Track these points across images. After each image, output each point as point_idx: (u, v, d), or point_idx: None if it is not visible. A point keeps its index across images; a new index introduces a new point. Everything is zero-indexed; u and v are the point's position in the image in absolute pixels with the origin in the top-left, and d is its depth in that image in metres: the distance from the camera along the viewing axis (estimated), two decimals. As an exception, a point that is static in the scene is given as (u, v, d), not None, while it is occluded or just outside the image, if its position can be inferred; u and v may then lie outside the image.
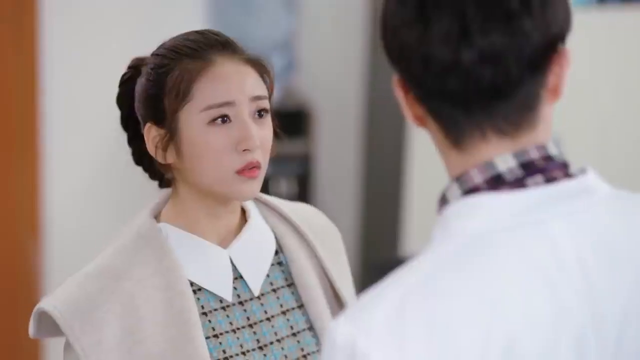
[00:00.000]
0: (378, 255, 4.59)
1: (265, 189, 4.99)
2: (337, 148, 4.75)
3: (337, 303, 1.82)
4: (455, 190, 1.21)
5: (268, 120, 1.69)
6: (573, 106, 4.05)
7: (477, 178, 1.20)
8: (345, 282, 1.84)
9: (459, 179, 1.21)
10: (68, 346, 1.64)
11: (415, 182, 4.28)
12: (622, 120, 4.34)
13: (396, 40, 1.20)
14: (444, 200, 1.22)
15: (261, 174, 1.67)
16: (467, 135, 1.20)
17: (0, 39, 3.97)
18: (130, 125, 1.75)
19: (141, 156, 1.74)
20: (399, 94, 1.23)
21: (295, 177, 4.50)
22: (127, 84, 1.74)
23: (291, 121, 4.47)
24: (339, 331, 1.14)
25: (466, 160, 1.21)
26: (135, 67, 1.74)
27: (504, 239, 1.16)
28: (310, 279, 1.78)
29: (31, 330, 1.68)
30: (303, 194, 4.53)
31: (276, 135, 1.72)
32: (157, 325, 1.62)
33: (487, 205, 1.18)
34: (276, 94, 4.83)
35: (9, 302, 4.09)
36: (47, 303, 1.64)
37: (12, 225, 4.09)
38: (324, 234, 1.85)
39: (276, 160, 4.86)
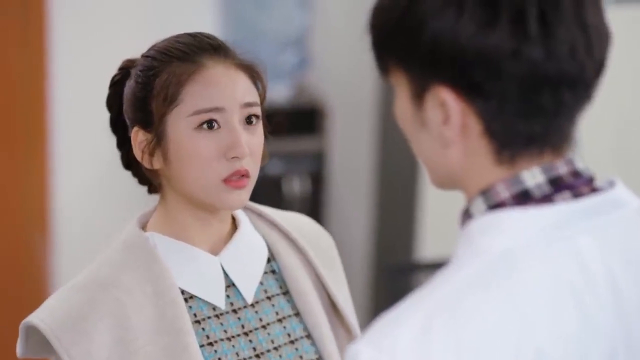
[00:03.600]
0: (393, 255, 4.55)
1: (278, 187, 4.97)
2: (351, 145, 4.72)
3: (334, 310, 1.78)
4: (480, 204, 1.17)
5: (259, 127, 1.65)
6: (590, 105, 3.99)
7: (504, 193, 1.16)
8: (341, 289, 1.80)
9: (484, 193, 1.17)
10: None
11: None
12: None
13: (477, 52, 1.13)
14: (467, 215, 1.19)
15: (250, 183, 1.63)
16: (527, 152, 1.17)
17: (7, 34, 3.97)
18: (119, 128, 1.71)
19: (130, 161, 1.71)
20: (451, 102, 1.16)
21: (308, 175, 4.48)
22: (116, 86, 1.71)
23: (304, 118, 4.45)
24: (361, 355, 1.09)
25: (500, 173, 1.17)
26: (126, 69, 1.70)
27: (531, 255, 1.13)
28: (305, 286, 1.74)
29: (19, 348, 1.64)
30: (316, 192, 4.50)
31: (267, 138, 1.68)
32: (149, 335, 1.59)
33: (513, 221, 1.14)
34: (289, 90, 4.82)
35: (17, 299, 4.09)
36: (34, 317, 1.60)
37: (21, 222, 4.10)
38: (316, 241, 1.81)
39: (289, 158, 4.79)
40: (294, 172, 4.44)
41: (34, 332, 1.61)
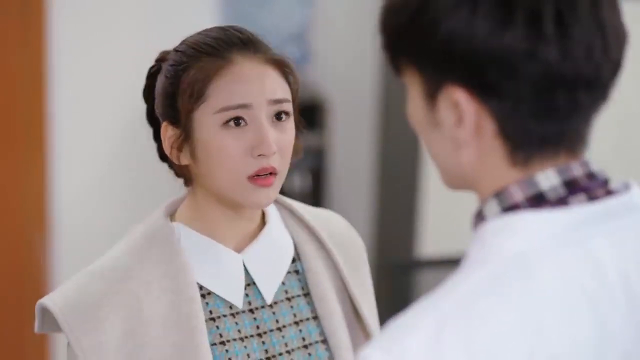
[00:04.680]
0: (393, 252, 4.54)
1: (278, 183, 4.90)
2: (351, 141, 4.70)
3: (356, 316, 1.76)
4: (493, 206, 1.16)
5: (289, 123, 1.62)
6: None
7: (518, 195, 1.15)
8: (365, 295, 1.77)
9: (498, 195, 1.16)
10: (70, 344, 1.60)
11: (433, 176, 4.21)
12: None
13: (491, 52, 1.11)
14: (480, 217, 1.17)
15: (278, 181, 1.60)
16: (542, 153, 1.15)
17: (7, 34, 3.96)
18: (155, 120, 1.69)
19: (163, 153, 1.68)
20: (464, 103, 1.14)
21: (309, 170, 4.46)
22: (152, 77, 1.68)
23: (305, 114, 4.40)
24: None
25: (514, 175, 1.16)
26: (161, 61, 1.68)
27: (545, 259, 1.11)
28: (327, 290, 1.72)
29: (35, 325, 1.64)
30: (317, 188, 4.49)
31: (301, 132, 1.66)
32: (160, 330, 1.57)
33: (527, 223, 1.13)
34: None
35: (17, 299, 4.08)
36: (49, 298, 1.60)
37: (21, 222, 4.09)
38: (346, 243, 1.79)
39: (290, 154, 4.69)
40: (294, 167, 4.42)
41: (48, 312, 1.60)
